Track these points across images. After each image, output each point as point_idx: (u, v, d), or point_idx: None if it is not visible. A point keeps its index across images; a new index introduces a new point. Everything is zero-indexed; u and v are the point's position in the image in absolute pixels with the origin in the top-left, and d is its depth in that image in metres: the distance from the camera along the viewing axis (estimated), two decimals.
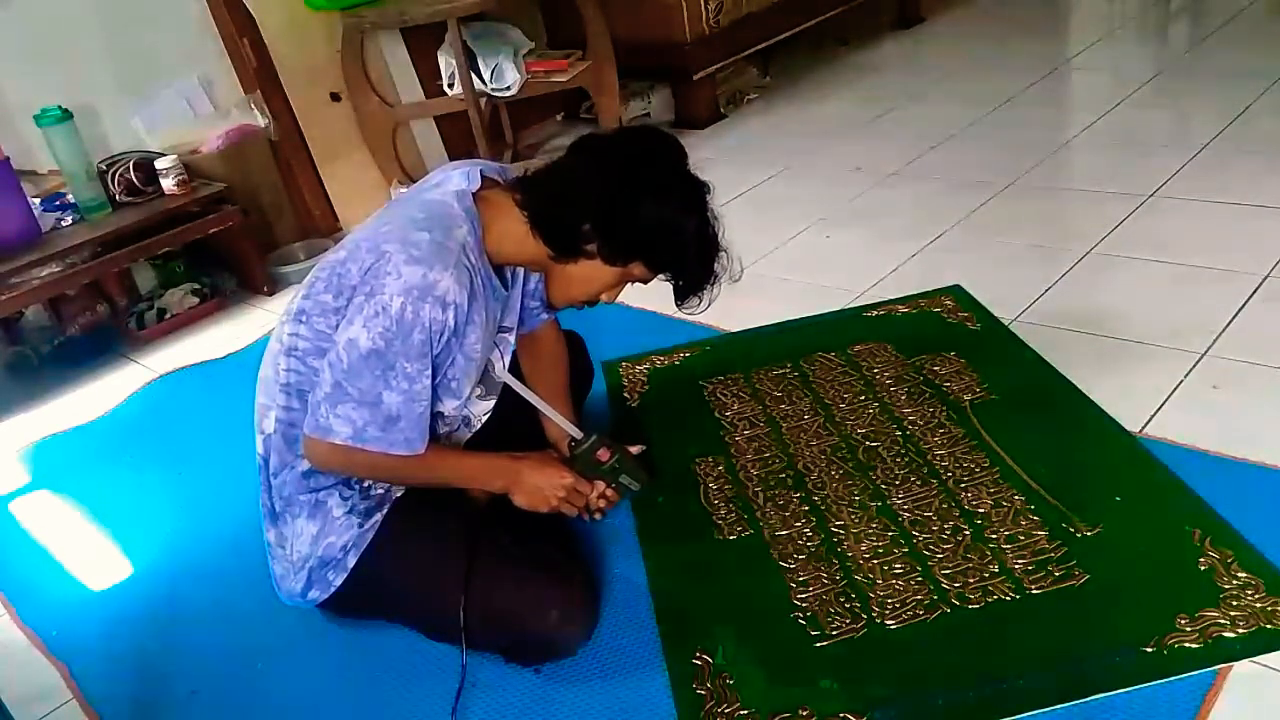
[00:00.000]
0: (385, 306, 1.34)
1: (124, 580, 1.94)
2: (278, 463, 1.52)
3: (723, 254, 1.49)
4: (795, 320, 2.33)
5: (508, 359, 1.62)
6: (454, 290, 1.36)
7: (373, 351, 1.36)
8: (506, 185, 1.50)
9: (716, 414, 2.04)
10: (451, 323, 1.37)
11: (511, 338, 1.62)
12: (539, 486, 1.55)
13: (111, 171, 2.89)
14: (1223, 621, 1.35)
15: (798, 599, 1.54)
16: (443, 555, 1.50)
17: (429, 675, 1.54)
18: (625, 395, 2.18)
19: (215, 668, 1.66)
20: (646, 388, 2.19)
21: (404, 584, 1.52)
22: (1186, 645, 1.32)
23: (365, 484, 1.53)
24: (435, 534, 1.53)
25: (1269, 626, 1.33)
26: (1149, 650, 1.33)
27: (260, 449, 1.54)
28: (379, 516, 1.53)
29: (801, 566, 1.60)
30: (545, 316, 1.72)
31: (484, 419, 1.63)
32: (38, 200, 2.84)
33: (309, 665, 1.62)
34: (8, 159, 2.68)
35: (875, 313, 2.29)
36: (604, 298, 1.53)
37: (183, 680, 1.65)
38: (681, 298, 1.51)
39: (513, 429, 1.66)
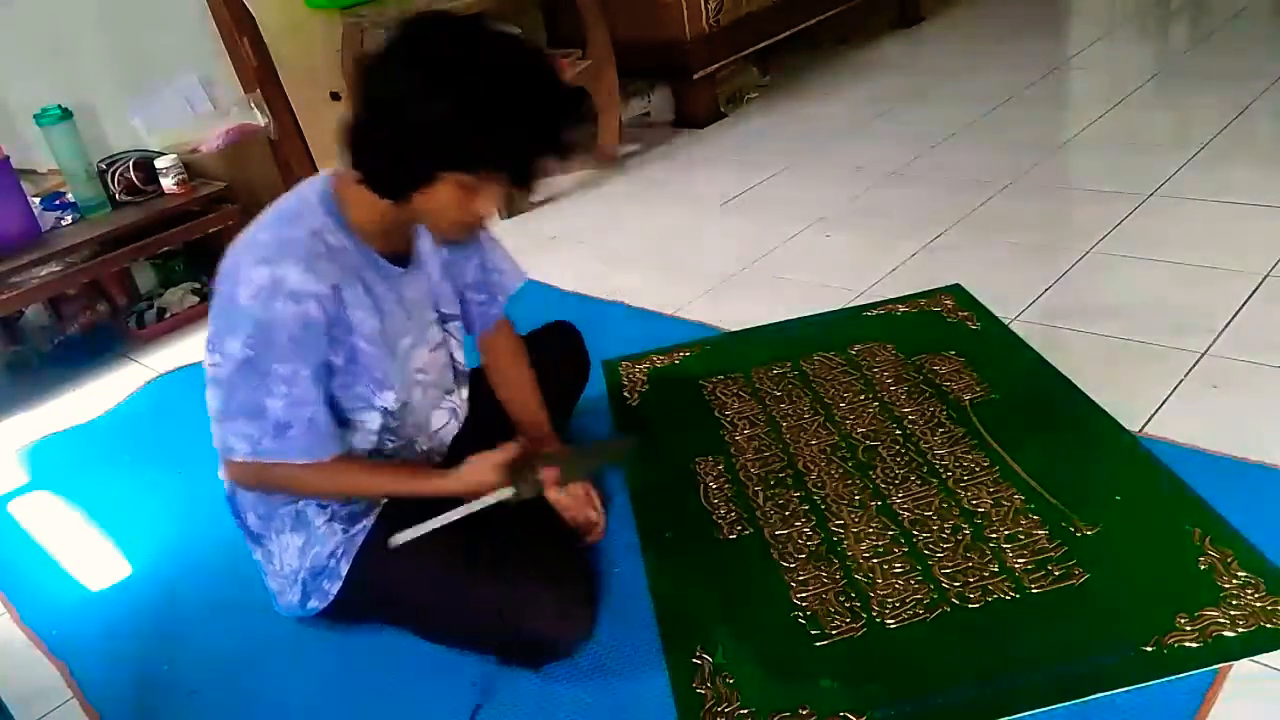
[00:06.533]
0: (243, 313, 1.32)
1: (124, 580, 1.94)
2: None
3: (547, 122, 1.26)
4: (795, 320, 2.33)
5: (460, 349, 1.61)
6: (304, 279, 1.32)
7: (244, 361, 1.33)
8: None
9: (716, 413, 2.04)
10: (317, 314, 1.33)
11: (456, 327, 1.61)
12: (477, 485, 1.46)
13: (111, 171, 2.89)
14: (1222, 620, 1.35)
15: (798, 598, 1.54)
16: (439, 557, 1.48)
17: (432, 676, 1.54)
18: (625, 395, 2.17)
19: (215, 668, 1.66)
20: (646, 387, 2.19)
21: (401, 588, 1.50)
22: (1186, 644, 1.32)
23: None
24: (419, 539, 1.49)
25: (1269, 626, 1.33)
26: (1149, 649, 1.33)
27: (223, 475, 1.54)
28: (367, 521, 1.52)
29: (801, 566, 1.60)
30: (496, 313, 1.69)
31: (449, 422, 1.62)
32: (37, 199, 2.84)
33: (309, 665, 1.62)
34: (8, 158, 2.68)
35: (875, 312, 2.29)
36: (480, 213, 1.36)
37: (183, 680, 1.65)
38: (519, 183, 1.33)
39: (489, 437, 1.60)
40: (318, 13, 3.33)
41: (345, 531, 1.51)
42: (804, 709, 1.35)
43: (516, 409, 1.71)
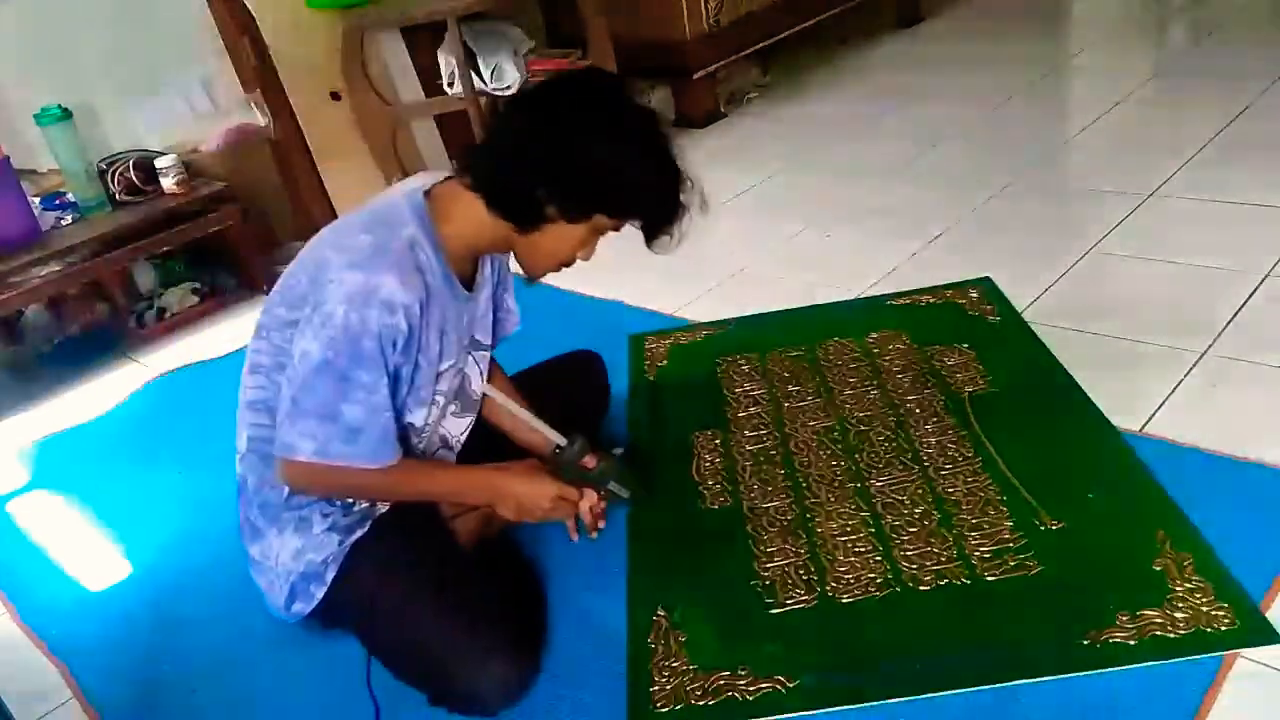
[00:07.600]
0: (330, 315, 1.30)
1: (124, 580, 1.95)
2: (256, 481, 1.51)
3: (686, 183, 1.38)
4: (820, 305, 2.36)
5: (484, 375, 1.60)
6: (399, 292, 1.30)
7: (324, 363, 1.31)
8: (456, 173, 1.43)
9: (724, 391, 2.08)
10: (404, 326, 1.32)
11: (488, 355, 1.60)
12: (523, 496, 1.50)
13: (111, 170, 2.89)
14: (1160, 621, 1.36)
15: (763, 569, 1.59)
16: (397, 587, 1.46)
17: None
18: (645, 369, 2.22)
19: (215, 667, 1.66)
20: (665, 362, 2.24)
21: (366, 609, 1.49)
22: (1121, 641, 1.33)
23: (348, 500, 1.51)
24: (392, 564, 1.48)
25: (1208, 630, 1.33)
26: (1084, 643, 1.34)
27: (239, 468, 1.54)
28: (360, 533, 1.52)
29: (771, 539, 1.65)
30: (513, 321, 1.69)
31: (463, 438, 1.62)
32: (37, 199, 2.85)
33: (309, 665, 1.62)
34: (8, 158, 2.68)
35: (899, 302, 2.30)
36: (580, 256, 1.45)
37: (182, 680, 1.65)
38: (651, 237, 1.41)
39: (495, 449, 1.62)
40: (318, 13, 3.33)
41: (340, 543, 1.51)
42: (742, 669, 1.40)
43: (523, 435, 1.68)
